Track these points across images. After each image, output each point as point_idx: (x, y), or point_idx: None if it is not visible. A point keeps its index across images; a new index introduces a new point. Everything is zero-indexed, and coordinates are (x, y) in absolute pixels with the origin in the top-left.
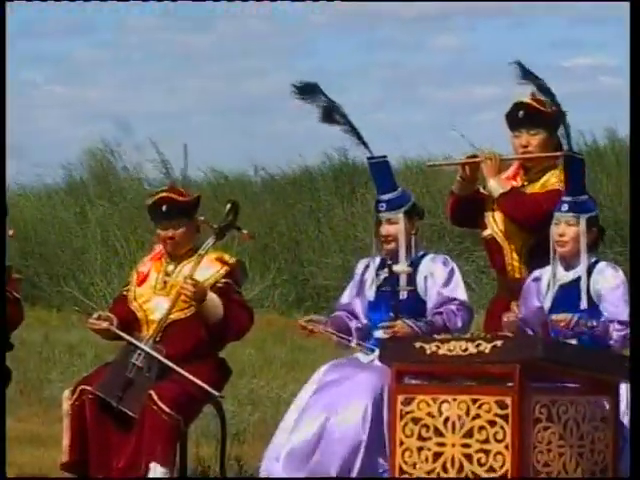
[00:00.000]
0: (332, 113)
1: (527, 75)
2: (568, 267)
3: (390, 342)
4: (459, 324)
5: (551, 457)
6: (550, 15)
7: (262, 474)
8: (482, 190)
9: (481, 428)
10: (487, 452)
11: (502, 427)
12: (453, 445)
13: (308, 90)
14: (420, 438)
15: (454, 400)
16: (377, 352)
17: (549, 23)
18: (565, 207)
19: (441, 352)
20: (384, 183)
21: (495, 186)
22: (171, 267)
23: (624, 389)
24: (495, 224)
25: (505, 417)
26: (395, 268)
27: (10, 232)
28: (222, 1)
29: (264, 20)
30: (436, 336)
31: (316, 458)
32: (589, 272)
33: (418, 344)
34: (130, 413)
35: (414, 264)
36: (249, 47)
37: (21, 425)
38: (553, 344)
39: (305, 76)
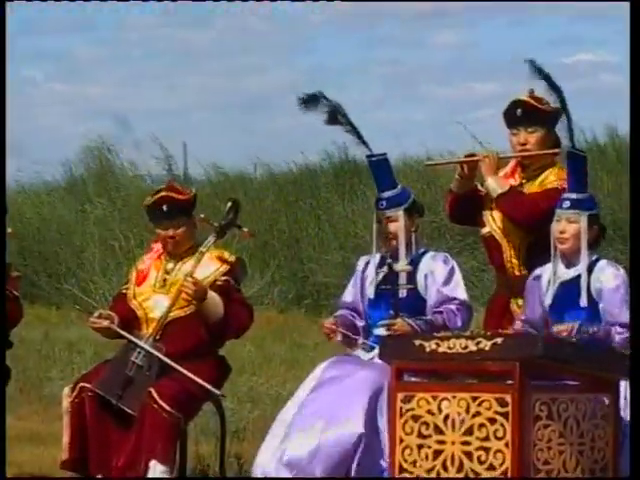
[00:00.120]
0: (336, 115)
1: (537, 71)
2: (569, 265)
3: (390, 340)
4: (459, 323)
5: (551, 455)
6: (550, 12)
7: (257, 469)
8: (480, 188)
9: (481, 426)
10: (487, 450)
11: (502, 425)
12: (453, 443)
13: (312, 100)
14: (420, 436)
15: (454, 398)
16: (377, 350)
17: (549, 20)
18: (567, 204)
19: (441, 350)
20: (384, 181)
21: (494, 186)
22: (171, 265)
23: (623, 386)
24: (493, 222)
25: (505, 415)
26: (395, 266)
27: (8, 230)
28: (222, 1)
29: (264, 18)
30: (436, 334)
31: (312, 466)
32: (590, 270)
33: (418, 342)
34: (130, 411)
35: (414, 262)
36: (249, 44)
37: (21, 423)
38: (553, 342)
39: (305, 73)
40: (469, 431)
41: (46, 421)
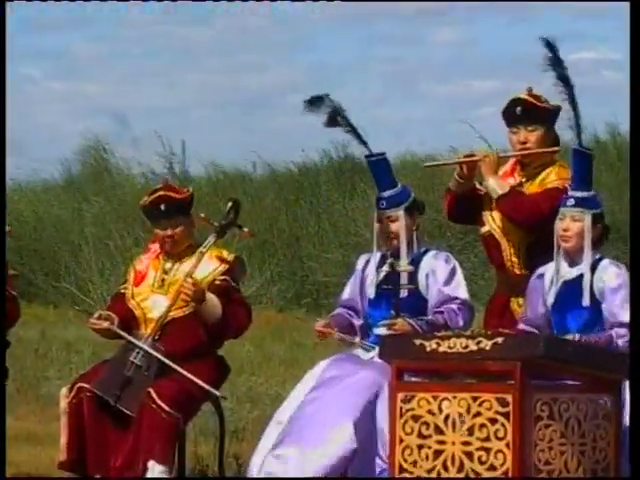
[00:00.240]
0: (336, 118)
1: (553, 61)
2: (572, 263)
3: (390, 339)
4: (460, 323)
5: (552, 455)
6: (551, 9)
7: (253, 468)
8: (479, 186)
9: (482, 426)
10: (488, 450)
11: (503, 425)
12: (453, 443)
13: (317, 102)
14: (420, 436)
15: (454, 398)
16: (377, 349)
17: (550, 17)
18: (571, 202)
19: (441, 349)
20: (384, 180)
21: (494, 186)
22: (169, 265)
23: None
24: (493, 221)
25: (506, 415)
26: (397, 267)
27: (7, 228)
28: (222, 1)
29: (264, 16)
30: (436, 333)
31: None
32: (593, 269)
33: (418, 341)
34: (128, 412)
35: (415, 261)
36: (249, 41)
37: (18, 423)
38: (554, 341)
39: (305, 71)
40: (470, 431)
41: (43, 421)
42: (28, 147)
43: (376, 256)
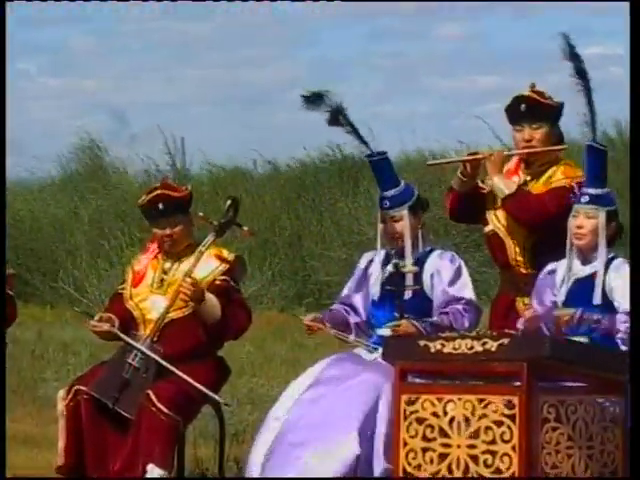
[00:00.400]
0: (337, 117)
1: (569, 53)
2: (585, 261)
3: (394, 340)
4: (466, 324)
5: (559, 458)
6: (558, 3)
7: (252, 467)
8: (482, 185)
9: (487, 428)
10: (494, 453)
11: (509, 427)
12: (459, 446)
13: (315, 99)
14: (425, 439)
15: (459, 400)
16: (380, 350)
17: (557, 11)
18: (585, 199)
19: (446, 350)
20: (386, 180)
21: (500, 186)
22: (168, 265)
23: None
24: (497, 220)
25: (512, 417)
26: (402, 268)
27: None
28: (222, 1)
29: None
30: (441, 334)
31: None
32: (605, 268)
33: (422, 342)
34: (126, 415)
35: (420, 260)
36: (249, 37)
37: (14, 426)
38: (561, 342)
39: (307, 66)
40: (475, 434)
41: (40, 424)
42: (23, 145)
43: (380, 255)
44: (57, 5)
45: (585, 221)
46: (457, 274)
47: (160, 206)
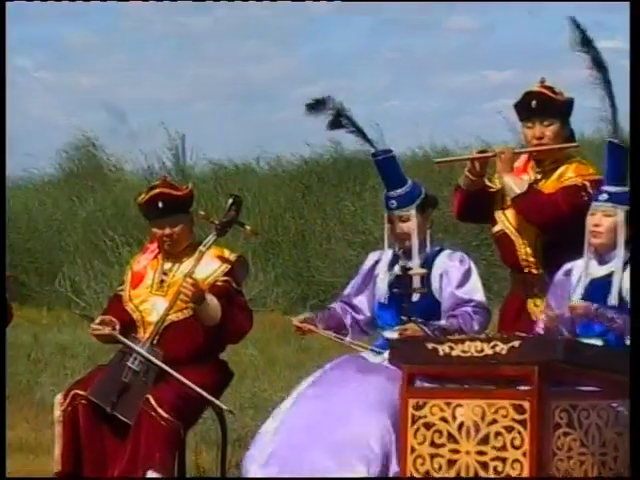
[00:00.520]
0: (339, 119)
1: (585, 43)
2: (601, 261)
3: (401, 343)
4: (476, 327)
5: (572, 465)
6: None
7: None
8: (489, 184)
9: (497, 434)
10: (504, 460)
11: (520, 433)
12: (468, 452)
13: (318, 105)
14: (433, 445)
15: (468, 404)
16: (387, 353)
17: (569, 5)
18: (604, 197)
19: (455, 353)
20: (392, 179)
21: (511, 185)
22: (168, 265)
23: None
24: (506, 219)
25: (523, 422)
26: (410, 271)
27: None
28: (222, 1)
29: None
30: (450, 336)
31: None
32: (623, 268)
33: (430, 345)
34: (125, 420)
35: (429, 260)
36: (252, 30)
37: (10, 431)
38: (574, 345)
39: (310, 61)
40: (485, 440)
41: (36, 429)
42: (19, 142)
43: (387, 254)
44: (59, 6)
45: (602, 219)
46: (466, 276)
47: (160, 205)
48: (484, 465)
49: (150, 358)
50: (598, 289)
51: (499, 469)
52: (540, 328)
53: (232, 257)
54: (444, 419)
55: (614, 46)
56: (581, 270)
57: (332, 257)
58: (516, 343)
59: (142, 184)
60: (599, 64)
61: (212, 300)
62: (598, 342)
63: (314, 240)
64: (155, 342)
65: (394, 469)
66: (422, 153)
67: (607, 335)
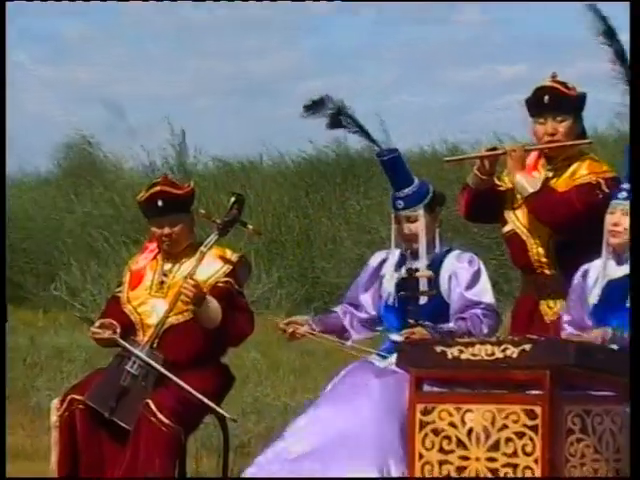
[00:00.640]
0: (339, 119)
1: (609, 35)
2: (620, 261)
3: (408, 346)
4: (485, 330)
5: (585, 472)
6: None
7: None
8: (498, 182)
9: (508, 440)
10: (515, 467)
11: (531, 439)
12: (477, 459)
13: (317, 106)
14: (441, 451)
15: (478, 410)
16: (394, 357)
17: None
18: (623, 195)
19: (464, 357)
20: (398, 178)
21: (523, 183)
22: (168, 266)
23: None
24: (516, 218)
25: (534, 428)
26: (417, 273)
27: None
28: (222, 1)
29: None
30: (459, 339)
31: None
32: None
33: (439, 348)
34: (124, 425)
35: (437, 261)
36: (253, 24)
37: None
38: (587, 348)
39: (313, 55)
40: (495, 446)
41: (32, 435)
42: (15, 139)
43: (394, 254)
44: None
45: (622, 218)
46: (476, 277)
47: (159, 203)
48: (494, 472)
49: (150, 362)
50: (616, 290)
51: (510, 476)
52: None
53: (234, 257)
54: (453, 424)
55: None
56: (598, 271)
57: (337, 257)
58: (527, 346)
59: (141, 182)
60: (622, 58)
61: (212, 302)
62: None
63: (319, 240)
64: (155, 345)
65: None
66: (431, 150)
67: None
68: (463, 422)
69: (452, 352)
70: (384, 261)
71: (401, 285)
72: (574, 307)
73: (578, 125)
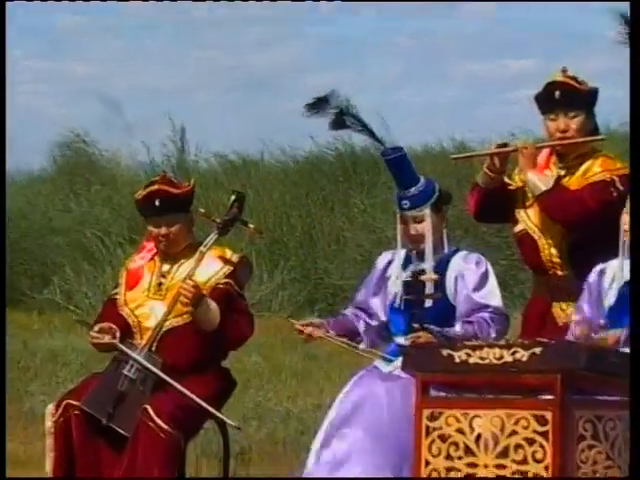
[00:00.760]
0: (343, 118)
1: (629, 33)
2: None
3: (414, 349)
4: (492, 335)
5: None
6: None
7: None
8: (508, 181)
9: (518, 447)
10: (524, 474)
11: (541, 445)
12: (486, 466)
13: (320, 104)
14: (449, 458)
15: (487, 415)
16: (399, 360)
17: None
18: None
19: (472, 361)
20: (404, 178)
21: (535, 181)
22: (166, 267)
23: None
24: (528, 219)
25: (545, 434)
26: (422, 277)
27: None
28: (222, 1)
29: None
30: (466, 342)
31: None
32: None
33: (446, 352)
34: (122, 432)
35: (444, 262)
36: (254, 15)
37: None
38: (599, 352)
39: (316, 47)
40: (504, 453)
41: (25, 441)
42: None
43: (400, 254)
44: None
45: None
46: (483, 279)
47: (156, 203)
48: None
49: (149, 367)
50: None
51: None
52: (571, 335)
53: (234, 258)
54: (461, 431)
55: None
56: (614, 271)
57: (341, 258)
58: (537, 350)
59: (139, 180)
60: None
61: (209, 302)
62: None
63: (322, 240)
64: (153, 349)
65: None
66: (438, 147)
67: None
68: (471, 428)
69: (460, 356)
70: (390, 262)
71: (406, 288)
72: (588, 307)
73: (590, 121)
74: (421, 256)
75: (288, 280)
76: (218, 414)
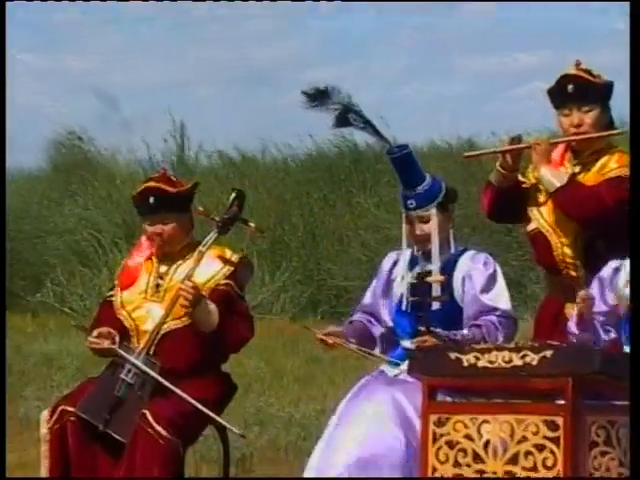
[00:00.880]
0: (346, 116)
1: None
2: None
3: (421, 353)
4: (500, 339)
5: None
6: None
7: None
8: (522, 179)
9: (527, 453)
10: None
11: (552, 452)
12: (495, 473)
13: (321, 96)
14: (456, 464)
15: (496, 420)
16: (405, 364)
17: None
18: None
19: (481, 364)
20: (409, 177)
21: (550, 178)
22: (164, 268)
23: None
24: (541, 216)
25: (556, 440)
26: (428, 279)
27: None
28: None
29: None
30: (475, 345)
31: None
32: None
33: (454, 355)
34: (119, 438)
35: (451, 262)
36: (256, 10)
37: None
38: (612, 355)
39: (321, 41)
40: (513, 459)
41: (20, 448)
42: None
43: (406, 255)
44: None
45: None
46: (491, 280)
47: (151, 200)
48: None
49: (148, 371)
50: None
51: None
52: (572, 324)
53: (234, 258)
54: (469, 437)
55: None
56: (629, 269)
57: (345, 258)
58: (548, 353)
59: (138, 178)
60: None
61: (207, 303)
62: None
63: (325, 240)
64: (151, 352)
65: None
66: (444, 144)
67: None
68: (479, 434)
69: (468, 359)
70: (395, 263)
71: (412, 290)
72: (601, 299)
73: (605, 115)
74: (427, 257)
75: (290, 282)
76: (219, 419)
